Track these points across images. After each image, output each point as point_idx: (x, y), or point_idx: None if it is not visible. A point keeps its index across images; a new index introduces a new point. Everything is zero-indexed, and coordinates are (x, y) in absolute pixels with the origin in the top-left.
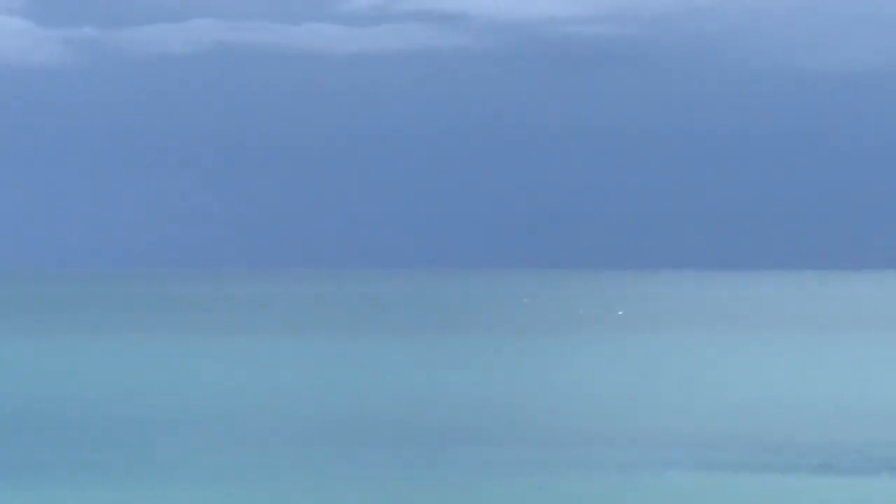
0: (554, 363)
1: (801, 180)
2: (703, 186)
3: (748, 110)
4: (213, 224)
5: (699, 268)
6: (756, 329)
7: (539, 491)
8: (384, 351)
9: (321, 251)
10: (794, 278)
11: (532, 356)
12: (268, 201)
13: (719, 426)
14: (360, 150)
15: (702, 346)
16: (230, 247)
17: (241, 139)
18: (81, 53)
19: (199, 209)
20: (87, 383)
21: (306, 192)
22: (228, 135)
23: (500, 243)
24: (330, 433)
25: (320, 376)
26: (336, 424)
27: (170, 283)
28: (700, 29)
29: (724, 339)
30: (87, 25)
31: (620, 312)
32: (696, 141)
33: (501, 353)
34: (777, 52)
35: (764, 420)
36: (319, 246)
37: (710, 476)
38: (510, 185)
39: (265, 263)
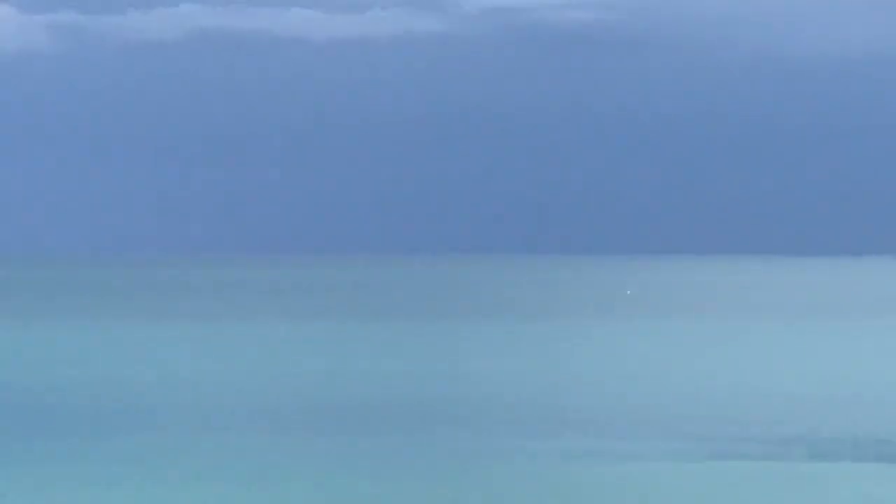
0: (555, 348)
1: (788, 165)
2: (689, 171)
3: (733, 95)
4: (198, 209)
5: (686, 253)
6: (755, 316)
7: (536, 474)
8: (378, 337)
9: (309, 236)
10: (778, 264)
11: (532, 342)
12: (254, 186)
13: (716, 413)
14: (347, 134)
15: (703, 333)
16: (217, 232)
17: (227, 124)
18: (65, 39)
19: (184, 194)
20: (74, 368)
21: (293, 176)
22: (214, 120)
23: (487, 228)
24: (322, 418)
25: (315, 362)
26: (328, 410)
27: (158, 268)
28: (685, 15)
29: (727, 326)
30: (71, 11)
31: (629, 292)
32: (679, 125)
33: (500, 338)
34: (762, 37)
35: (763, 407)
36: (308, 231)
37: (701, 462)
38: (496, 169)
39: (252, 249)
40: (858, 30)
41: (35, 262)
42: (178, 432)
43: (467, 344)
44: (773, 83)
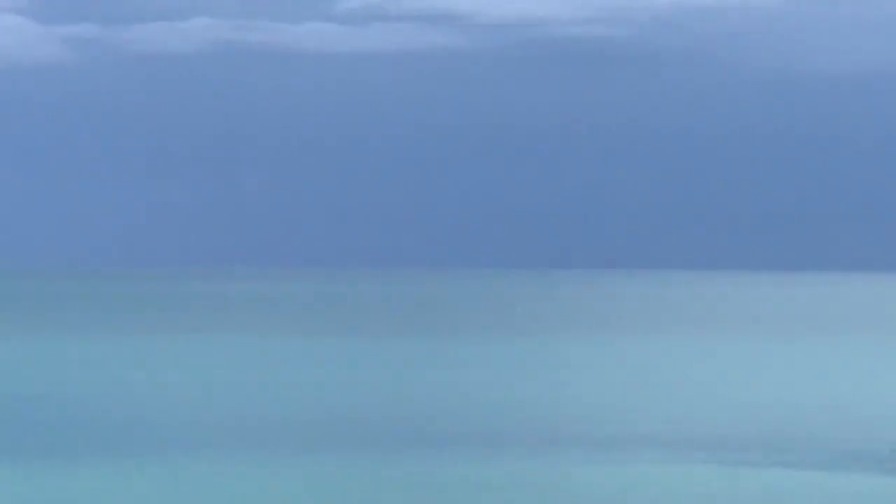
0: (547, 365)
1: (796, 182)
2: (698, 187)
3: (743, 112)
4: (212, 222)
5: (694, 268)
6: (751, 331)
7: (529, 487)
8: (374, 351)
9: (320, 250)
10: (788, 279)
11: (524, 358)
12: (267, 200)
13: (712, 428)
14: (357, 149)
15: (696, 348)
16: (228, 245)
17: (241, 138)
18: (81, 51)
19: (198, 207)
20: (66, 382)
21: (304, 191)
22: (228, 134)
23: (495, 243)
24: (320, 434)
25: (313, 376)
26: (326, 425)
27: (169, 281)
28: (695, 31)
29: (721, 341)
30: (87, 23)
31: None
32: (690, 142)
33: (496, 354)
34: (773, 53)
35: (757, 421)
36: (318, 245)
37: (701, 476)
38: (505, 185)
39: (263, 262)
40: (871, 47)
41: (49, 274)
42: (168, 447)
43: (463, 359)
44: (784, 99)
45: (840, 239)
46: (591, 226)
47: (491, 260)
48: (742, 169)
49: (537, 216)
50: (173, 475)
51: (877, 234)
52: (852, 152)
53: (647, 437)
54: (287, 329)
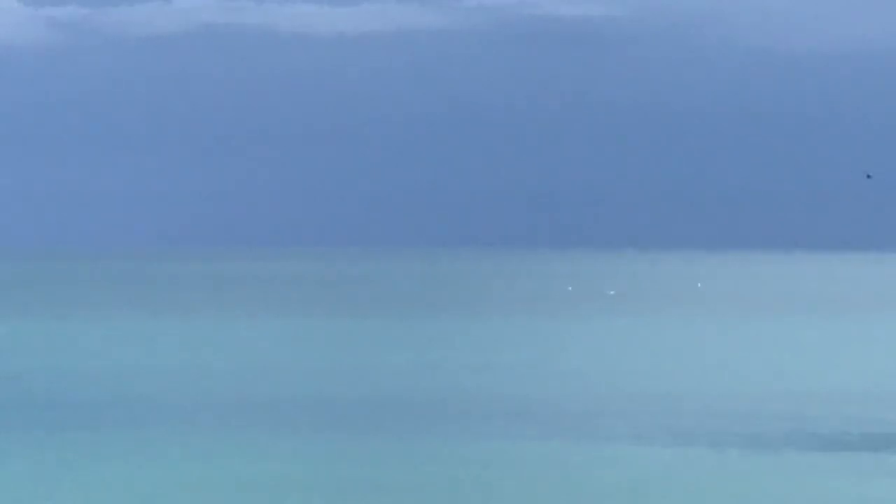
0: (550, 343)
1: (788, 160)
2: (688, 166)
3: (735, 90)
4: (200, 203)
5: (688, 248)
6: (748, 311)
7: (529, 466)
8: (373, 331)
9: (309, 230)
10: (782, 259)
11: (526, 336)
12: (255, 180)
13: (712, 406)
14: (346, 129)
15: (698, 328)
16: (216, 225)
17: (229, 119)
18: (66, 33)
19: (186, 188)
20: (69, 361)
21: (292, 171)
22: (216, 114)
23: (485, 222)
24: (315, 412)
25: (309, 357)
26: (321, 404)
27: (158, 261)
28: (685, 10)
29: (716, 320)
30: (73, 4)
31: (612, 293)
32: (680, 120)
33: (497, 332)
34: (764, 32)
35: (762, 400)
36: (308, 224)
37: (695, 454)
38: (493, 164)
39: (252, 242)
40: (859, 26)
41: (32, 256)
42: (172, 426)
43: (465, 338)
44: (773, 77)
45: (830, 218)
46: (581, 204)
47: (481, 239)
48: (731, 147)
49: (524, 195)
50: (172, 452)
51: (872, 214)
52: (842, 130)
53: (642, 416)
54: (280, 310)
